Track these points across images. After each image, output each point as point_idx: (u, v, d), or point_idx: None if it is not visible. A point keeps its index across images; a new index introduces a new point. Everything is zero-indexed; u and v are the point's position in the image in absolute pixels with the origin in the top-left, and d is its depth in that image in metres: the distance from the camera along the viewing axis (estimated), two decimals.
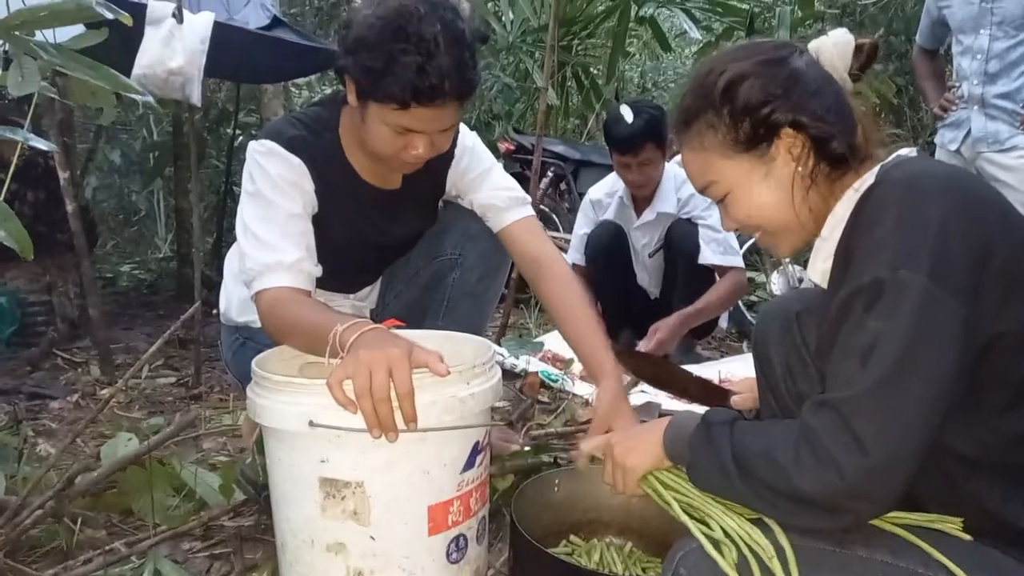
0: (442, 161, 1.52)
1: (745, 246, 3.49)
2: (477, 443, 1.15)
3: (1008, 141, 2.54)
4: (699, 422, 0.96)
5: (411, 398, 1.02)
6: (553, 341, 2.73)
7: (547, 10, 3.62)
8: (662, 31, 4.68)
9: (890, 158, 0.96)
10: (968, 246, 0.82)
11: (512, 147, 4.30)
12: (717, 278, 2.64)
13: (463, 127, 1.59)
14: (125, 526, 1.62)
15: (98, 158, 6.03)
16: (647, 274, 2.84)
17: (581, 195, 3.12)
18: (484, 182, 1.57)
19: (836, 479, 0.79)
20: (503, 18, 4.84)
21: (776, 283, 3.42)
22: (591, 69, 5.28)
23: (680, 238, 2.63)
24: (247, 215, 1.38)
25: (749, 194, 1.00)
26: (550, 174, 4.07)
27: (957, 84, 2.68)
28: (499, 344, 2.68)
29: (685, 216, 2.67)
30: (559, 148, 4.17)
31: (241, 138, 4.94)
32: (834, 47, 1.00)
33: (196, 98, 2.61)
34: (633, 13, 4.49)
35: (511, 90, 4.58)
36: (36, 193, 3.31)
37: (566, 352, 2.57)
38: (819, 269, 0.99)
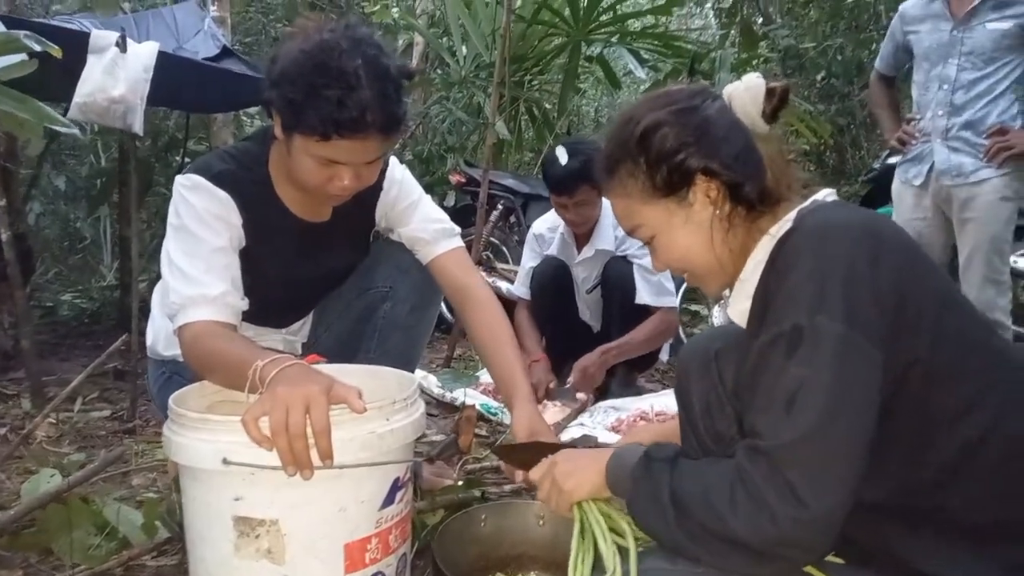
0: (371, 193, 1.54)
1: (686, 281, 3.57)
2: (397, 479, 1.15)
3: (973, 174, 2.49)
4: (640, 456, 0.98)
5: (327, 435, 1.02)
6: None
7: (500, 49, 3.68)
8: (612, 70, 4.79)
9: (807, 202, 1.00)
10: (880, 292, 0.85)
11: (463, 180, 4.34)
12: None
13: (393, 160, 1.61)
14: (43, 566, 1.57)
15: (42, 183, 5.90)
16: (588, 309, 2.88)
17: (530, 227, 3.16)
18: (413, 214, 1.59)
19: (771, 527, 0.81)
20: (456, 53, 4.91)
21: (717, 316, 3.47)
22: (544, 104, 5.37)
23: (616, 276, 2.67)
24: (171, 249, 1.37)
25: (672, 237, 1.04)
26: (500, 207, 4.12)
27: (917, 116, 2.64)
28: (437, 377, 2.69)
29: (622, 254, 2.71)
30: (509, 181, 4.23)
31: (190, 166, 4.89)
32: (746, 92, 1.03)
33: (138, 127, 2.60)
34: (583, 52, 4.60)
35: (463, 124, 4.64)
36: None
37: None
38: (738, 309, 1.02)
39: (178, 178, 1.43)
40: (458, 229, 1.64)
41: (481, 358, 1.51)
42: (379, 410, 1.11)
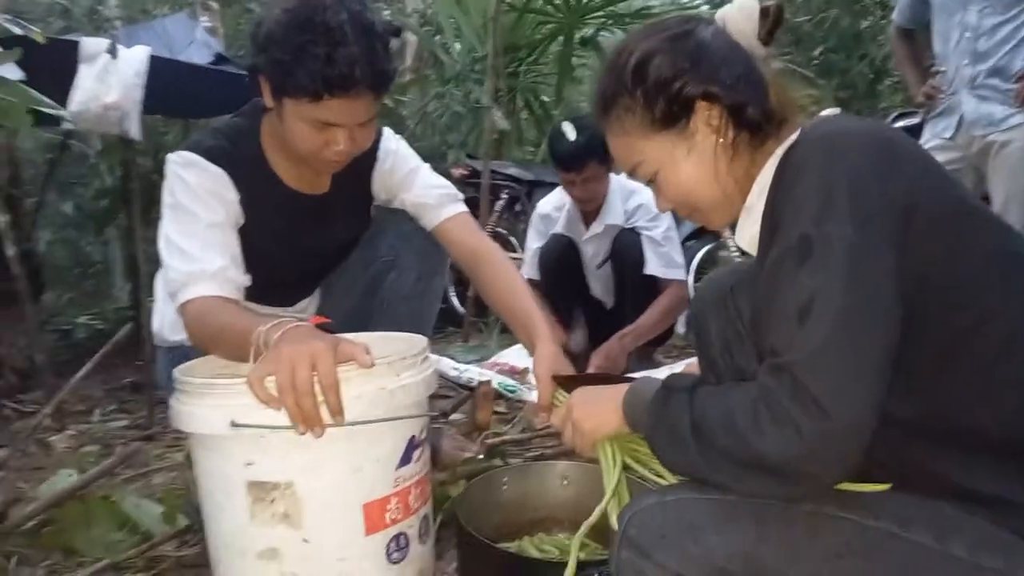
0: (366, 164, 1.51)
1: (698, 256, 3.53)
2: (413, 437, 1.12)
3: (1004, 122, 2.38)
4: (659, 388, 0.94)
5: (336, 390, 0.99)
6: (511, 354, 2.71)
7: (492, 37, 3.66)
8: (605, 53, 4.76)
9: (812, 121, 0.96)
10: (889, 197, 0.82)
11: (467, 172, 4.32)
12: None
13: (387, 130, 1.58)
14: (67, 563, 1.55)
15: (49, 211, 5.93)
16: (599, 284, 2.84)
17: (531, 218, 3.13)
18: (414, 181, 1.56)
19: (797, 442, 0.77)
20: (450, 49, 4.89)
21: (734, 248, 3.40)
22: (541, 97, 5.35)
23: (625, 249, 2.64)
24: (168, 228, 1.35)
25: (675, 171, 0.99)
26: (504, 196, 4.08)
27: (943, 68, 2.51)
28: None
29: (630, 227, 2.68)
30: (512, 170, 4.20)
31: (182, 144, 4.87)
32: (740, 13, 1.00)
33: (135, 132, 2.59)
34: (576, 37, 4.58)
35: (462, 118, 4.62)
36: None
37: (522, 363, 2.55)
38: (747, 235, 0.98)
39: (170, 156, 1.41)
40: (462, 195, 1.60)
41: (498, 311, 1.47)
42: (388, 366, 1.08)
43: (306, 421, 0.99)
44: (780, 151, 0.94)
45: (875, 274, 0.80)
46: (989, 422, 0.85)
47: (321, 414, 0.99)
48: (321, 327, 1.14)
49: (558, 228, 2.83)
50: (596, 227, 2.76)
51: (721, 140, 0.97)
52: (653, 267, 2.63)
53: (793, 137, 0.94)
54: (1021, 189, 2.40)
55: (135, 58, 2.55)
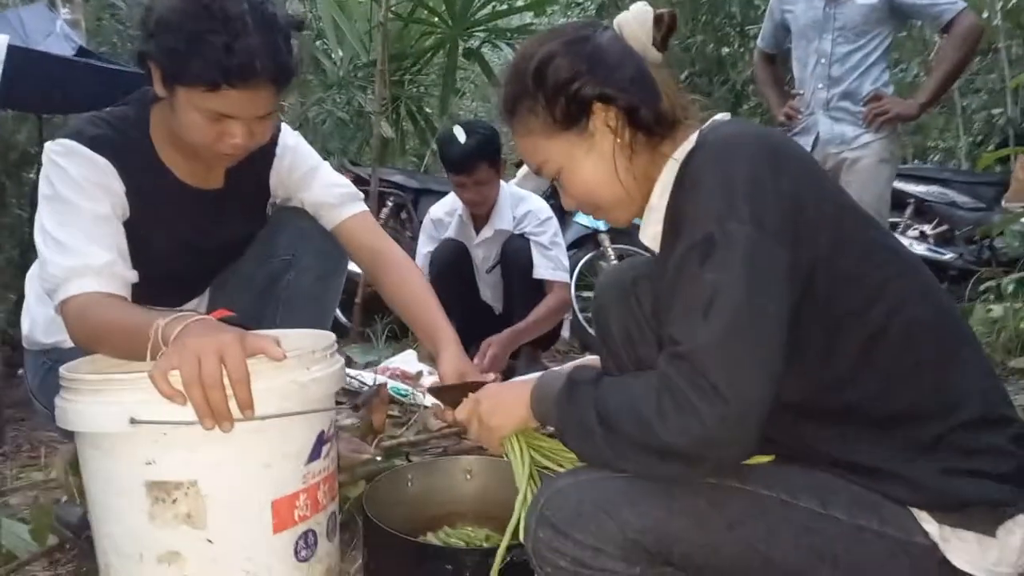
0: (263, 161, 1.47)
1: (580, 264, 3.64)
2: (322, 432, 1.10)
3: (854, 140, 2.67)
4: (564, 382, 0.97)
5: (246, 383, 0.96)
6: (400, 360, 2.69)
7: (376, 46, 3.63)
8: (489, 66, 4.85)
9: (707, 124, 1.02)
10: (782, 196, 0.88)
11: (351, 178, 4.25)
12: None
13: (285, 127, 1.54)
14: None
15: None
16: (489, 289, 2.88)
17: (422, 223, 3.13)
18: (313, 180, 1.52)
19: (698, 428, 0.82)
20: (333, 55, 4.81)
21: None
22: (425, 108, 5.36)
23: (514, 253, 2.70)
24: (46, 221, 1.25)
25: (577, 170, 1.03)
26: (390, 203, 4.05)
27: (801, 91, 2.78)
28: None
29: (519, 232, 2.74)
30: (397, 178, 4.17)
31: (61, 132, 4.49)
32: (635, 20, 1.04)
33: None
34: (461, 48, 4.63)
35: (345, 125, 4.55)
36: None
37: (413, 368, 2.55)
38: (651, 233, 1.04)
39: (48, 145, 1.31)
40: (362, 194, 1.59)
41: (399, 312, 1.46)
42: (299, 359, 1.05)
43: (215, 416, 0.95)
44: (679, 153, 1.00)
45: (771, 270, 0.86)
46: (866, 400, 0.93)
47: (230, 408, 0.96)
48: (225, 320, 1.11)
49: (449, 233, 2.85)
50: (486, 232, 2.80)
51: (619, 140, 1.01)
52: (541, 271, 2.70)
53: (693, 138, 1.00)
54: (870, 202, 2.66)
55: None
